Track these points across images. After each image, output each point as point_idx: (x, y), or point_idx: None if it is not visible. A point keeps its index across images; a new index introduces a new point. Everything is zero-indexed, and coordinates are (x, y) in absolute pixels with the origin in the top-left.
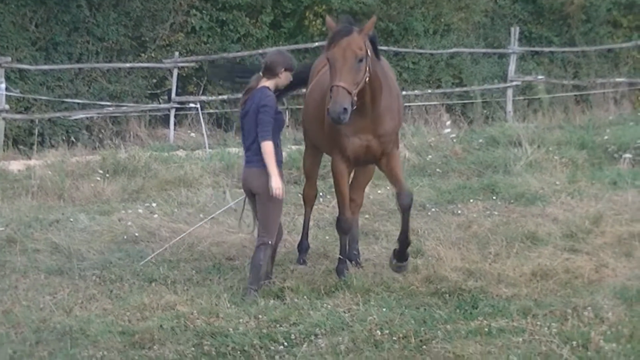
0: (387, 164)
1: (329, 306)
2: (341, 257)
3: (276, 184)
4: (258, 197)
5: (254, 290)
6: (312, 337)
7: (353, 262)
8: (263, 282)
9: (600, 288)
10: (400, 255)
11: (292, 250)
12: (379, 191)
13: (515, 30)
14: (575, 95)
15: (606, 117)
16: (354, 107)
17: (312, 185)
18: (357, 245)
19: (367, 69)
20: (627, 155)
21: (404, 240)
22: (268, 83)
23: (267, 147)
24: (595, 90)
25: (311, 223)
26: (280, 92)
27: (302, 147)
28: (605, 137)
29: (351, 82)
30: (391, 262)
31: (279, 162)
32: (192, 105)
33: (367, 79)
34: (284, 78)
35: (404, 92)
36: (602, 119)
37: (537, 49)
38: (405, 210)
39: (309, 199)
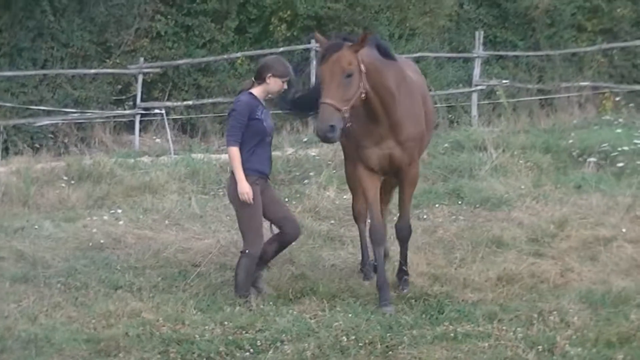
0: (402, 183)
1: (295, 312)
2: (380, 270)
3: (241, 189)
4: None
5: (240, 296)
6: (278, 344)
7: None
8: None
9: (565, 292)
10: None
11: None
12: (344, 196)
13: (479, 35)
14: (539, 99)
15: (571, 121)
16: (348, 125)
17: (359, 199)
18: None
19: (361, 84)
20: (592, 159)
21: (400, 270)
22: (256, 89)
23: (230, 152)
24: (560, 94)
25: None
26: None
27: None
28: (570, 141)
29: (340, 99)
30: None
31: (256, 170)
32: (157, 111)
33: (364, 94)
34: (273, 84)
35: None
36: (567, 122)
37: (501, 53)
38: (401, 242)
39: (360, 215)
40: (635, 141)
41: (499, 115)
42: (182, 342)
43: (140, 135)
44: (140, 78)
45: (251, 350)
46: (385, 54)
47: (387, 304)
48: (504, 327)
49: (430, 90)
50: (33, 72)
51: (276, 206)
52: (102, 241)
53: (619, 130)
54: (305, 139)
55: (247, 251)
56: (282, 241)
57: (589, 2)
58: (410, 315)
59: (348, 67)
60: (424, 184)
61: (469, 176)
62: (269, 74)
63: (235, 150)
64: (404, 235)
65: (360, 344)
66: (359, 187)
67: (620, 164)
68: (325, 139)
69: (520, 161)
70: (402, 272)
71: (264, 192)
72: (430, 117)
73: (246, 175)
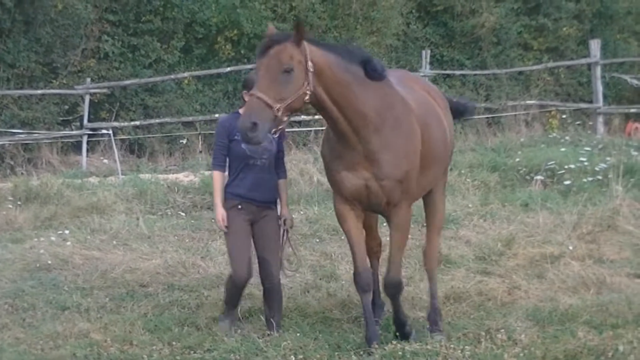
0: (389, 227)
1: (244, 332)
2: (367, 321)
3: (215, 215)
4: None
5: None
6: None
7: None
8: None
9: (512, 310)
10: (402, 335)
11: (206, 276)
12: (293, 216)
13: (426, 53)
14: (487, 117)
15: (517, 139)
16: (279, 129)
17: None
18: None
19: (306, 83)
20: (539, 177)
21: (398, 324)
22: (243, 107)
23: (212, 176)
24: (507, 113)
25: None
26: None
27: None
28: (517, 160)
29: (273, 95)
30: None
31: (237, 194)
32: (104, 131)
33: (308, 96)
34: None
35: (309, 117)
36: (514, 141)
37: (448, 71)
38: (390, 299)
39: (370, 249)
40: (581, 159)
41: None
42: None
43: (87, 156)
44: (87, 98)
45: None
46: (372, 75)
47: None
48: (452, 345)
49: None
50: None
51: (262, 242)
52: (49, 262)
53: (564, 149)
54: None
55: (230, 275)
56: (263, 284)
57: (535, 21)
58: (358, 334)
59: (287, 61)
60: None
61: None
62: (244, 91)
63: (216, 175)
64: (390, 291)
65: None
66: (341, 225)
67: (567, 182)
68: (247, 138)
69: (468, 180)
70: (402, 331)
71: (257, 222)
72: (435, 154)
73: (226, 200)
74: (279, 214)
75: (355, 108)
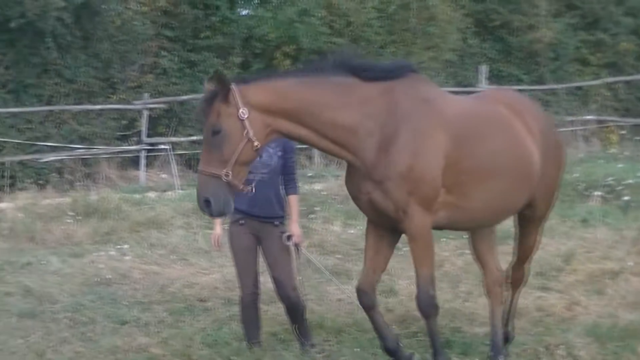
0: (408, 240)
1: (304, 347)
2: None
3: (212, 234)
4: None
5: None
6: None
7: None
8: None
9: (572, 326)
10: None
11: (264, 290)
12: (350, 231)
13: (484, 69)
14: None
15: (576, 155)
16: (242, 189)
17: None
18: (508, 326)
19: (245, 133)
20: (598, 192)
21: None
22: None
23: None
24: (565, 128)
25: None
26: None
27: None
28: (576, 175)
29: (215, 163)
30: None
31: (239, 210)
32: (162, 146)
33: (257, 143)
34: None
35: None
36: (572, 157)
37: (506, 87)
38: (425, 317)
39: (513, 277)
40: None
41: None
42: None
43: (145, 171)
44: (145, 113)
45: None
46: (371, 78)
47: None
48: None
49: None
50: (38, 109)
51: (272, 262)
52: (108, 276)
53: (621, 165)
54: (310, 174)
55: (240, 295)
56: (282, 303)
57: (593, 36)
58: (417, 349)
59: (215, 122)
60: None
61: None
62: None
63: None
64: (421, 308)
65: None
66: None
67: (626, 198)
68: (207, 213)
69: None
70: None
71: (263, 241)
72: (492, 168)
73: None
74: (281, 230)
75: (334, 124)
